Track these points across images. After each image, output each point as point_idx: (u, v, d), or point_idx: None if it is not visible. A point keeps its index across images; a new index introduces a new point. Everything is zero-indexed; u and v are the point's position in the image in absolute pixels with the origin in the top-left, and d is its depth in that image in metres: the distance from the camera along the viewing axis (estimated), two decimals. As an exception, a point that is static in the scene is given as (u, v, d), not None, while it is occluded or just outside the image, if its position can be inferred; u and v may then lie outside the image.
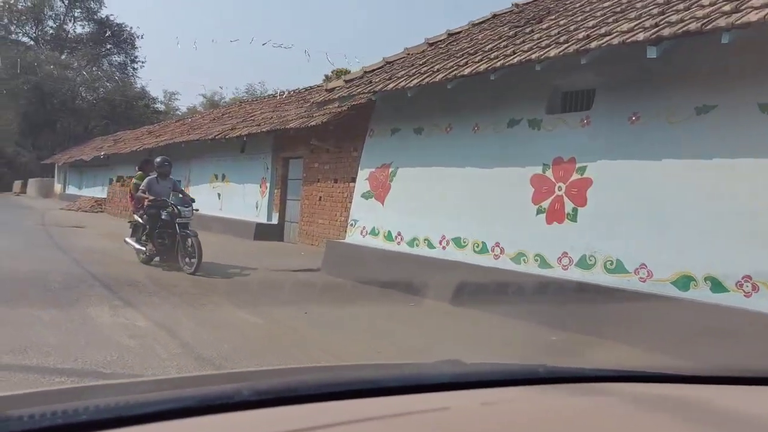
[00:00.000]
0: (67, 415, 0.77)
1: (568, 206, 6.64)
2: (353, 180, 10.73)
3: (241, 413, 0.85)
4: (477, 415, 0.97)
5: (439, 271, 7.79)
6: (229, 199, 15.34)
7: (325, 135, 11.15)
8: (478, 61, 7.11)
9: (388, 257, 8.56)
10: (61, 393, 1.06)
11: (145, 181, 9.05)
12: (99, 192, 26.70)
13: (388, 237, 8.81)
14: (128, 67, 42.98)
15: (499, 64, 6.69)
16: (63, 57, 38.86)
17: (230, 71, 70.96)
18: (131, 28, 42.63)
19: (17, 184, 40.24)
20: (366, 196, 9.42)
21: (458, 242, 7.77)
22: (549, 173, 6.89)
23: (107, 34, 40.42)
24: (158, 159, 9.31)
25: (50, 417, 0.75)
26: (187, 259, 8.30)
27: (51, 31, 41.98)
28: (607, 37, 5.82)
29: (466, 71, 7.03)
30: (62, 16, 42.36)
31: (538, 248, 6.81)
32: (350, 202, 10.69)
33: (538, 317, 6.14)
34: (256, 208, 14.01)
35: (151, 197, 8.71)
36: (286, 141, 12.91)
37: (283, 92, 17.20)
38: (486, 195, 7.55)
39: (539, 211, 6.91)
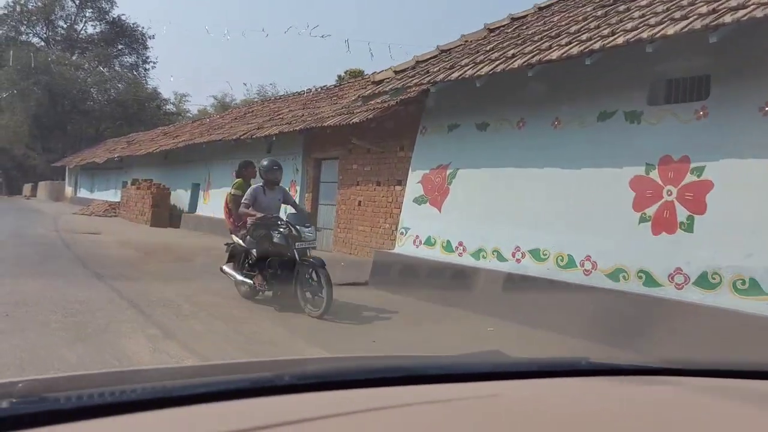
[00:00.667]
0: (114, 395, 0.77)
1: (681, 214, 5.60)
2: (400, 183, 9.74)
3: (285, 397, 0.86)
4: (526, 402, 0.99)
5: (514, 287, 6.78)
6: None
7: (365, 133, 10.16)
8: (567, 44, 6.10)
9: (449, 270, 7.56)
10: (108, 375, 1.03)
11: (250, 191, 6.79)
12: (112, 196, 25.87)
13: (447, 247, 7.80)
14: (140, 68, 42.27)
15: (597, 45, 5.66)
16: (74, 58, 38.10)
17: (240, 74, 70.26)
18: (143, 28, 41.93)
19: (27, 187, 39.52)
20: (419, 201, 8.41)
21: (536, 254, 6.74)
22: (654, 174, 5.85)
23: (118, 32, 39.68)
24: (265, 162, 7.10)
25: (98, 396, 0.76)
26: (308, 296, 6.16)
27: (62, 32, 41.29)
28: (743, 11, 4.79)
29: (554, 56, 6.01)
30: (73, 16, 41.69)
31: (642, 263, 5.78)
32: (396, 208, 9.69)
33: (650, 346, 5.11)
34: (285, 213, 13.01)
35: (259, 213, 6.53)
36: (319, 141, 11.93)
37: (310, 90, 16.23)
38: (571, 200, 6.52)
39: (642, 220, 5.87)
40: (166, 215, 17.43)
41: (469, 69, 7.04)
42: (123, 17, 41.76)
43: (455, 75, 7.14)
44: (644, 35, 5.32)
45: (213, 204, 16.57)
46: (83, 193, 31.30)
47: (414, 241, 8.31)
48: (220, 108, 42.95)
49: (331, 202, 11.82)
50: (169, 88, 79.81)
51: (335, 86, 14.63)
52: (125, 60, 42.23)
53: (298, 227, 6.37)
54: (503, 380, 1.07)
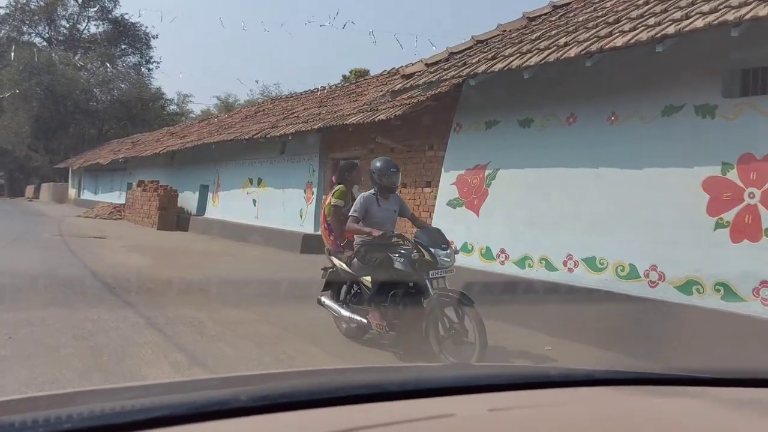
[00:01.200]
0: (49, 423, 0.74)
1: (767, 219, 4.98)
2: (429, 184, 9.13)
3: (237, 420, 0.82)
4: (484, 422, 0.94)
5: (566, 300, 6.17)
6: (266, 205, 13.77)
7: (390, 131, 9.56)
8: (631, 30, 5.48)
9: (490, 280, 6.94)
10: (50, 399, 1.00)
11: (359, 201, 5.22)
12: (116, 197, 25.30)
13: (487, 255, 7.19)
14: (143, 68, 41.68)
15: (672, 30, 5.04)
16: (77, 58, 37.51)
17: (241, 74, 69.70)
18: (146, 27, 41.33)
19: (30, 189, 39.00)
20: (453, 204, 7.80)
21: (592, 263, 6.12)
22: (732, 175, 5.23)
23: (121, 31, 39.12)
24: (378, 163, 5.37)
25: (31, 425, 0.73)
26: (448, 343, 4.60)
27: (64, 31, 40.73)
28: None
29: (619, 42, 5.39)
30: (76, 16, 41.13)
31: (720, 274, 5.16)
32: (426, 211, 9.08)
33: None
34: (301, 216, 12.42)
35: (375, 231, 4.94)
36: (338, 140, 11.33)
37: (324, 87, 15.62)
38: (632, 204, 5.90)
39: (719, 225, 5.25)
40: (173, 218, 16.84)
41: (514, 59, 6.43)
42: (126, 16, 41.24)
43: (499, 66, 6.53)
44: (729, 17, 4.70)
45: (223, 206, 15.99)
46: (87, 195, 30.75)
47: (449, 248, 7.69)
48: (223, 108, 42.40)
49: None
50: (172, 88, 79.31)
51: (352, 83, 14.01)
52: (128, 60, 41.69)
53: (431, 249, 4.75)
54: (465, 394, 1.02)
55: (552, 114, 6.84)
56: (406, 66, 8.28)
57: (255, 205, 14.28)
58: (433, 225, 8.00)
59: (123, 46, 41.18)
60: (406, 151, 9.52)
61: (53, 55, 35.98)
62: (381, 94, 9.21)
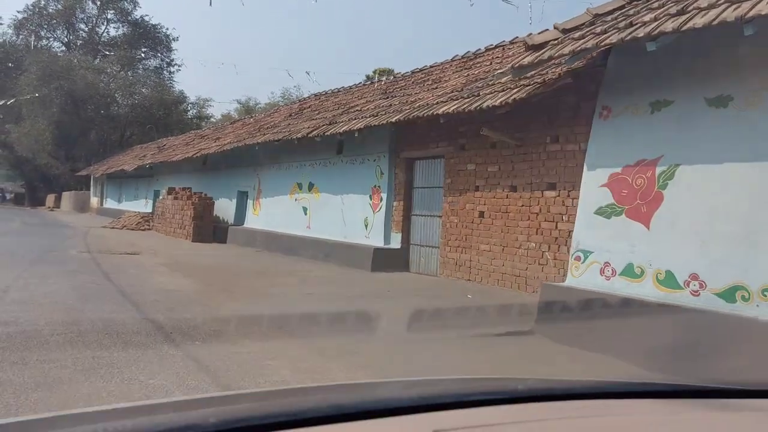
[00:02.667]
0: None
1: None
2: (552, 187, 7.27)
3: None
4: None
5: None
6: (320, 214, 12.00)
7: (492, 122, 7.73)
8: None
9: (675, 317, 5.08)
10: (24, 425, 0.97)
11: None
12: (142, 206, 23.77)
13: (668, 281, 5.31)
14: (164, 71, 40.26)
15: None
16: (96, 61, 36.13)
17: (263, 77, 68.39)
18: (167, 29, 39.97)
19: (50, 198, 37.69)
20: (607, 212, 5.93)
21: None
22: None
23: (141, 34, 37.81)
24: None
25: None
26: None
27: (83, 35, 39.48)
28: None
29: None
30: (95, 19, 39.83)
31: None
32: (548, 221, 7.23)
33: None
34: (366, 227, 10.63)
35: None
36: (413, 136, 9.53)
37: (381, 78, 13.83)
38: None
39: None
40: (209, 229, 15.16)
41: (727, 6, 4.57)
42: (146, 18, 39.88)
43: (701, 20, 4.66)
44: None
45: (266, 215, 14.27)
46: (110, 204, 29.30)
47: (602, 270, 5.83)
48: (244, 112, 40.87)
49: (432, 212, 9.39)
50: (192, 92, 78.28)
51: (419, 70, 12.18)
52: (149, 63, 40.29)
53: None
54: (416, 414, 0.98)
55: (765, 88, 4.96)
56: (534, 35, 6.46)
57: (306, 214, 12.52)
58: (576, 240, 6.16)
59: (144, 50, 39.83)
60: (516, 146, 7.68)
61: (73, 59, 34.60)
62: (499, 72, 7.35)
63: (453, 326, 6.15)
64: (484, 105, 7.08)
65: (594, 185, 6.11)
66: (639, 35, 5.09)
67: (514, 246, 7.65)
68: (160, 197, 18.31)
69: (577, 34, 5.83)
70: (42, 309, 5.80)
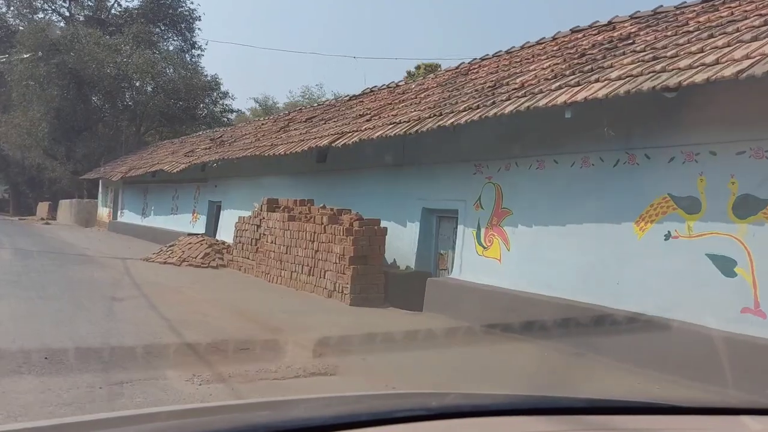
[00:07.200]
0: None
1: None
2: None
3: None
4: None
5: None
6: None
7: None
8: None
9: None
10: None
11: None
12: (186, 224, 16.49)
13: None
14: (186, 54, 32.95)
15: None
16: (107, 37, 28.62)
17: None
18: (190, 3, 32.69)
19: (43, 207, 30.08)
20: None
21: None
22: None
23: (160, 5, 30.58)
24: None
25: None
26: None
27: (89, 3, 32.10)
28: None
29: None
30: (103, -14, 32.51)
31: None
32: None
33: None
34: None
35: None
36: None
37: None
38: None
39: None
40: (379, 280, 8.01)
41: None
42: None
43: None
44: None
45: (519, 256, 7.14)
46: (128, 217, 21.93)
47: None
48: (261, 112, 33.91)
49: None
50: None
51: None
52: (166, 45, 32.91)
53: None
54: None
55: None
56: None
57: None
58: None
59: (162, 27, 32.56)
60: None
61: (79, 31, 27.14)
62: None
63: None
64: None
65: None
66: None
67: None
68: (252, 213, 10.98)
69: None
70: None
